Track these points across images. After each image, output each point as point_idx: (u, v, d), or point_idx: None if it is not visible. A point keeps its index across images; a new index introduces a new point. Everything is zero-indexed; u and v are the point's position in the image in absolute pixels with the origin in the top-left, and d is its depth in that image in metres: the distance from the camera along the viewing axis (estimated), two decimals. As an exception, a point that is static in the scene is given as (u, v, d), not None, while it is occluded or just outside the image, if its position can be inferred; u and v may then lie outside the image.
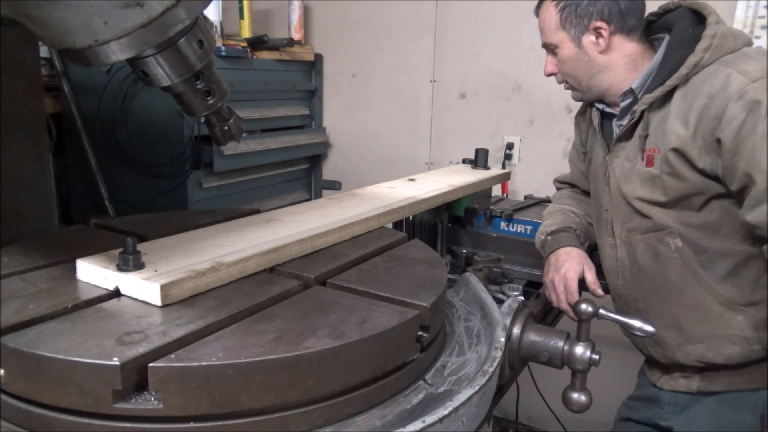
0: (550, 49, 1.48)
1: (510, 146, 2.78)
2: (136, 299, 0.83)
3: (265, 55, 2.78)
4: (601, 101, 1.52)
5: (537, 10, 1.49)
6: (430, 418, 0.70)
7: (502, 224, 1.88)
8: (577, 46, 1.42)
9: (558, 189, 1.90)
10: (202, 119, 0.97)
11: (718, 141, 1.25)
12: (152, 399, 0.67)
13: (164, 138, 2.43)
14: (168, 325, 0.75)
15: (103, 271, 0.86)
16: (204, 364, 0.67)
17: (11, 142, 1.33)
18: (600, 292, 1.53)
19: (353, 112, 3.23)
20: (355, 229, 1.17)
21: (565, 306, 1.53)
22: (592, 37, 1.40)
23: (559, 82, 1.54)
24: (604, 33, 1.39)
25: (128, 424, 0.67)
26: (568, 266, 1.53)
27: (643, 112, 1.39)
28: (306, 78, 3.15)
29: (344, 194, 1.43)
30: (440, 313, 0.95)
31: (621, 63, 1.42)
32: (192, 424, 0.68)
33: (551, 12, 1.43)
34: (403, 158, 3.09)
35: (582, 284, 1.54)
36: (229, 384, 0.67)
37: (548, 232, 1.61)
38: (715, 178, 1.30)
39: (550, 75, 1.53)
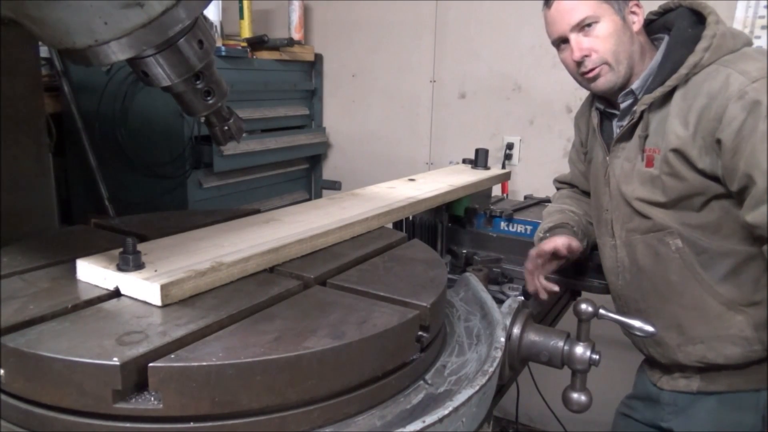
0: (585, 25, 1.37)
1: (510, 146, 2.79)
2: (136, 299, 0.83)
3: (265, 55, 2.78)
4: (604, 100, 1.51)
5: None
6: (430, 418, 0.70)
7: (502, 224, 1.88)
8: (622, 19, 1.38)
9: (558, 189, 1.90)
10: (202, 119, 0.97)
11: (718, 141, 1.25)
12: (152, 399, 0.67)
13: (164, 138, 2.43)
14: (168, 325, 0.75)
15: (103, 271, 0.86)
16: (204, 364, 0.67)
17: (11, 142, 1.33)
18: (564, 252, 1.52)
19: (353, 112, 3.23)
20: (355, 229, 1.17)
21: (534, 284, 1.54)
22: (630, 15, 1.39)
23: (591, 67, 1.39)
24: (639, 12, 1.39)
25: (128, 424, 0.67)
26: (545, 242, 1.55)
27: (642, 112, 1.39)
28: (306, 78, 3.15)
29: (344, 194, 1.43)
30: (440, 313, 0.95)
31: (640, 49, 1.42)
32: (192, 424, 0.68)
33: None
34: (403, 158, 3.09)
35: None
36: (229, 384, 0.67)
37: (545, 230, 1.61)
38: (714, 179, 1.30)
39: (582, 58, 1.39)
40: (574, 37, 1.39)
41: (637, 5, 1.40)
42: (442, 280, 0.96)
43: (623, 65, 1.39)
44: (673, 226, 1.38)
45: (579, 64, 1.41)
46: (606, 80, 1.41)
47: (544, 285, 1.55)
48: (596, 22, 1.37)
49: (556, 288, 1.55)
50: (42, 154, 1.44)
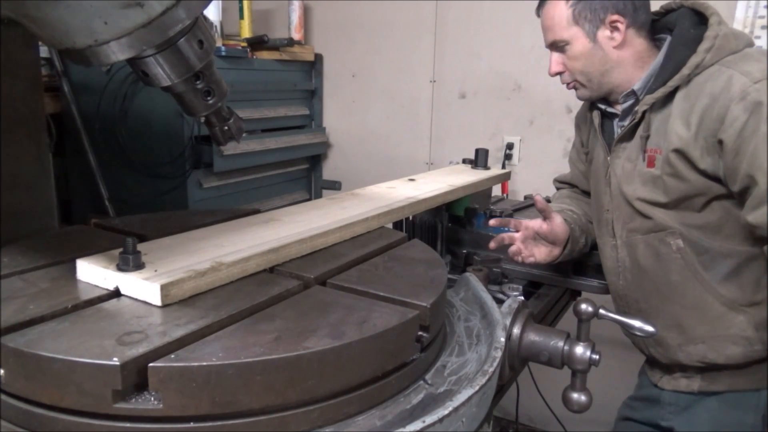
0: (558, 47, 1.44)
1: (510, 146, 2.79)
2: (136, 299, 0.82)
3: (265, 55, 2.78)
4: (605, 101, 1.51)
5: (540, 10, 1.46)
6: (430, 418, 0.70)
7: (503, 224, 1.87)
8: (592, 41, 1.39)
9: (558, 189, 1.90)
10: (202, 119, 0.97)
11: (720, 142, 1.25)
12: (152, 399, 0.67)
13: (164, 138, 2.43)
14: (168, 325, 0.75)
15: (103, 271, 0.86)
16: (204, 364, 0.67)
17: (11, 142, 1.33)
18: (539, 199, 1.53)
19: (353, 112, 3.23)
20: (355, 229, 1.17)
21: (518, 246, 1.55)
22: (608, 32, 1.38)
23: (565, 82, 1.50)
24: (621, 27, 1.38)
25: (128, 424, 0.67)
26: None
27: (644, 112, 1.39)
28: (306, 78, 3.15)
29: (344, 194, 1.43)
30: (440, 313, 0.95)
31: (631, 59, 1.41)
32: (192, 424, 0.68)
33: (561, 8, 1.40)
34: (403, 158, 3.09)
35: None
36: (229, 384, 0.67)
37: None
38: (716, 179, 1.30)
39: (556, 74, 1.49)
40: (551, 54, 1.48)
41: (619, 20, 1.37)
42: (442, 280, 0.95)
43: (594, 83, 1.45)
44: (674, 227, 1.38)
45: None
46: (581, 94, 1.51)
47: (525, 254, 1.56)
48: (566, 44, 1.42)
49: (531, 260, 1.57)
50: (42, 154, 1.44)
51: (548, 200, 1.95)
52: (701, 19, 1.38)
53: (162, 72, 0.81)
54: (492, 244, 1.58)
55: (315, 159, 3.29)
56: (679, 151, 1.32)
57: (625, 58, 1.41)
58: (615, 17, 1.37)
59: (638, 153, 1.41)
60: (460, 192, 1.68)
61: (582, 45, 1.40)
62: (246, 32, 2.82)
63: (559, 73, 1.48)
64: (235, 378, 0.67)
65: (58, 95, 2.52)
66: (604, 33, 1.39)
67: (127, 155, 2.47)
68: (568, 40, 1.41)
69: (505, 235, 1.57)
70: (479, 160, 1.94)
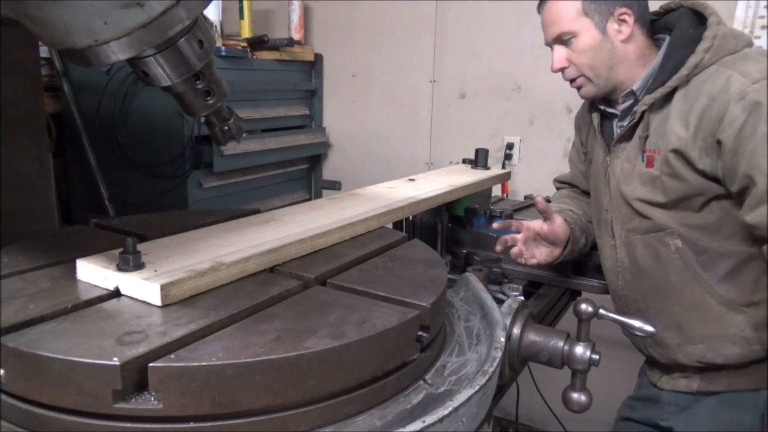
0: (564, 40, 1.41)
1: (510, 146, 2.79)
2: (136, 299, 0.83)
3: (265, 55, 2.78)
4: (604, 101, 1.51)
5: (541, 6, 1.44)
6: (430, 418, 0.70)
7: (502, 224, 1.87)
8: (602, 33, 1.38)
9: (557, 189, 1.90)
10: (202, 119, 0.97)
11: (719, 142, 1.26)
12: (152, 399, 0.67)
13: (164, 138, 2.43)
14: (168, 325, 0.75)
15: (103, 271, 0.86)
16: (204, 364, 0.67)
17: (11, 142, 1.33)
18: (540, 200, 1.53)
19: (353, 112, 3.23)
20: (355, 229, 1.17)
21: (520, 248, 1.55)
22: (616, 25, 1.38)
23: (569, 77, 1.46)
24: (629, 20, 1.38)
25: (128, 424, 0.67)
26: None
27: (643, 113, 1.39)
28: (306, 78, 3.16)
29: (344, 194, 1.43)
30: (440, 313, 0.95)
31: (634, 55, 1.41)
32: (192, 424, 0.68)
33: (569, 1, 1.38)
34: (403, 158, 3.09)
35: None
36: (229, 384, 0.67)
37: None
38: (715, 180, 1.31)
39: (559, 70, 1.46)
40: (555, 48, 1.45)
41: (627, 13, 1.38)
42: (442, 280, 0.95)
43: (602, 78, 1.43)
44: (673, 227, 1.38)
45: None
46: (586, 91, 1.47)
47: (526, 255, 1.56)
48: (574, 37, 1.40)
49: (534, 261, 1.57)
50: (42, 154, 1.44)
51: (548, 200, 1.95)
52: (700, 19, 1.38)
53: (162, 72, 0.81)
54: (498, 248, 1.57)
55: (315, 159, 3.29)
56: (677, 152, 1.32)
57: (630, 53, 1.41)
58: (623, 10, 1.37)
59: (637, 153, 1.41)
60: (460, 192, 1.68)
61: (591, 37, 1.39)
62: (246, 32, 2.82)
63: (563, 69, 1.46)
64: (235, 378, 0.67)
65: (58, 95, 2.52)
66: (612, 26, 1.38)
67: (127, 155, 2.47)
68: (576, 32, 1.39)
69: (507, 236, 1.57)
70: (479, 160, 1.93)
